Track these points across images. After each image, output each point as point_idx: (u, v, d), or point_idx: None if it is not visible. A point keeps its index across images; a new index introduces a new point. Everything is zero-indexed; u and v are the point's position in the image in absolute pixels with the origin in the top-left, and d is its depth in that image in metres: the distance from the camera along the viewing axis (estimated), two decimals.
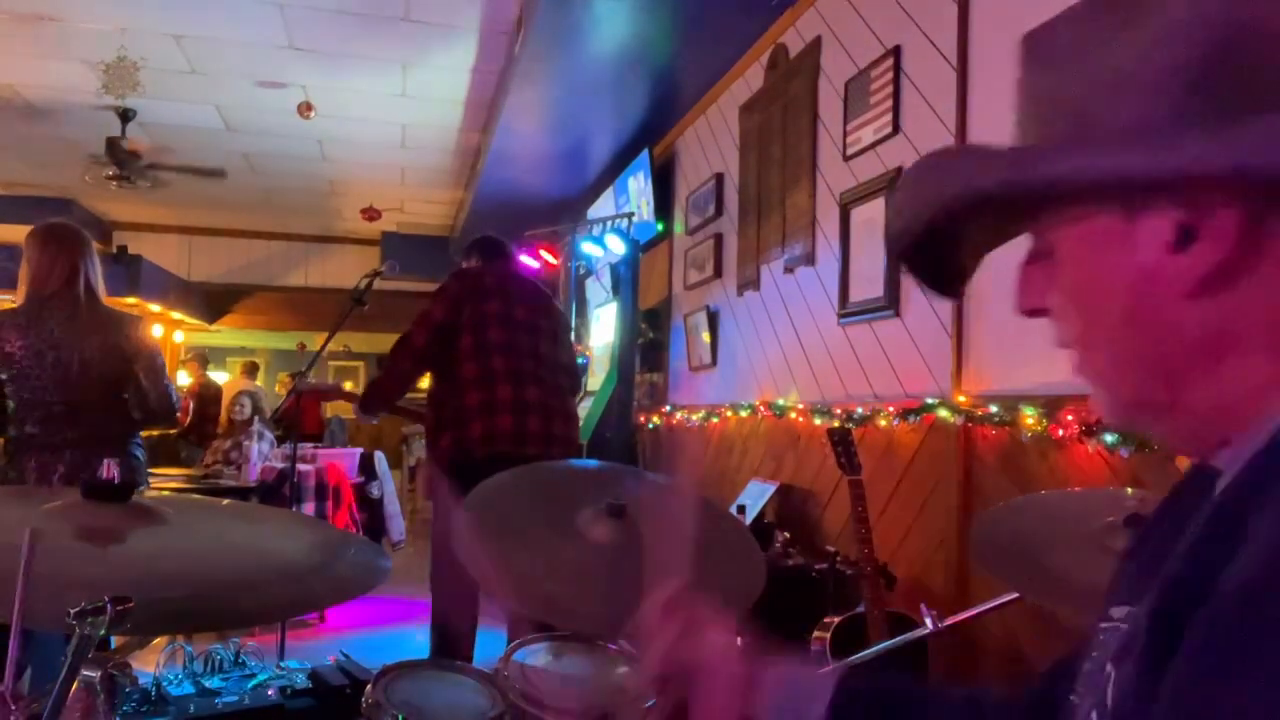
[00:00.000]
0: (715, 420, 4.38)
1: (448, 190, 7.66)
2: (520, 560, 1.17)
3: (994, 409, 2.33)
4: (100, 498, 1.08)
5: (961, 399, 2.48)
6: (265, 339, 13.33)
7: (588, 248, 5.67)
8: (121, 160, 5.98)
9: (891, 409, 2.77)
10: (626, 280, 5.47)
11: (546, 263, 6.44)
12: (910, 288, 2.78)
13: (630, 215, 5.50)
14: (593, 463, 1.75)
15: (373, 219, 8.27)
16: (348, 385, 6.70)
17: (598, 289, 6.62)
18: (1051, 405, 2.11)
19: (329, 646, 2.11)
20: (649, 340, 5.55)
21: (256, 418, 5.30)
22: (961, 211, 0.53)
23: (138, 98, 5.37)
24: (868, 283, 3.01)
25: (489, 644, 2.98)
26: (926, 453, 2.66)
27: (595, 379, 6.08)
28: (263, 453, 4.95)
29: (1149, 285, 0.50)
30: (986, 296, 2.38)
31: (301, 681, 1.49)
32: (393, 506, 5.99)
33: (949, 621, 1.51)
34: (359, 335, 11.57)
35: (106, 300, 2.84)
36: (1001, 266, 0.65)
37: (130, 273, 7.81)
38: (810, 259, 3.46)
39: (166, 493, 3.04)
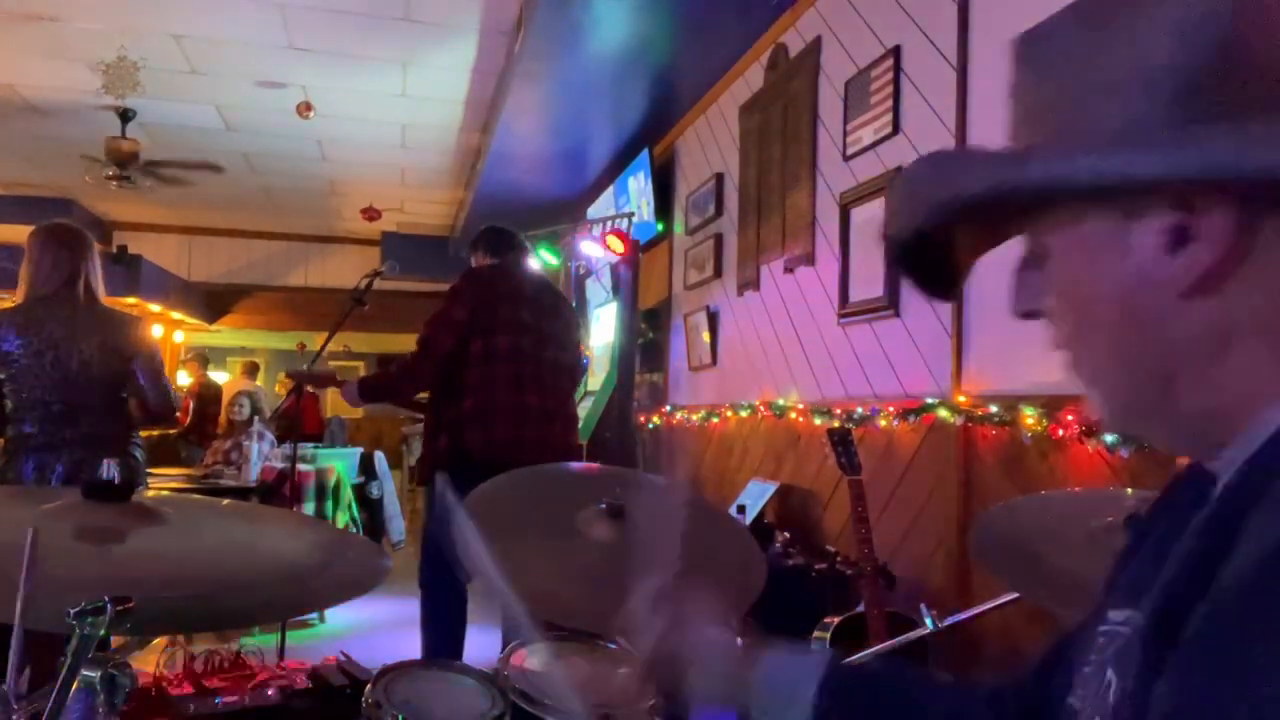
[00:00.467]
0: (715, 420, 4.38)
1: (448, 190, 7.66)
2: (520, 560, 1.17)
3: (994, 409, 2.33)
4: (100, 498, 1.08)
5: (961, 399, 2.48)
6: (265, 339, 13.33)
7: (588, 248, 5.66)
8: (121, 160, 5.98)
9: (891, 409, 2.77)
10: (626, 280, 5.47)
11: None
12: (910, 287, 2.78)
13: (630, 215, 5.50)
14: (590, 465, 1.75)
15: (373, 219, 8.26)
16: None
17: (598, 289, 6.62)
18: (1051, 405, 2.11)
19: (329, 646, 2.11)
20: (649, 340, 5.55)
21: (256, 418, 5.30)
22: (955, 215, 0.53)
23: (138, 98, 5.37)
24: (868, 283, 3.01)
25: (482, 643, 2.99)
26: (926, 453, 2.66)
27: (595, 379, 6.08)
28: (263, 453, 4.95)
29: (1143, 287, 0.50)
30: (986, 296, 2.38)
31: (301, 681, 1.49)
32: (393, 506, 5.99)
33: (949, 621, 1.51)
34: (359, 335, 11.57)
35: (107, 300, 2.84)
36: (1001, 267, 0.65)
37: (130, 273, 7.81)
38: (810, 259, 3.45)
39: (166, 493, 3.04)
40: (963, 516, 2.46)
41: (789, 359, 3.65)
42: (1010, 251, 0.64)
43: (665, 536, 0.83)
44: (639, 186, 5.47)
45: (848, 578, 2.61)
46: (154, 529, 1.08)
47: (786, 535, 3.15)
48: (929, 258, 0.61)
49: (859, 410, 2.96)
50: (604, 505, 1.22)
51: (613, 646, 1.27)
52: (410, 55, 4.81)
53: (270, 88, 5.33)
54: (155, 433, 4.48)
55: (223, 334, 11.16)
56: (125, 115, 5.76)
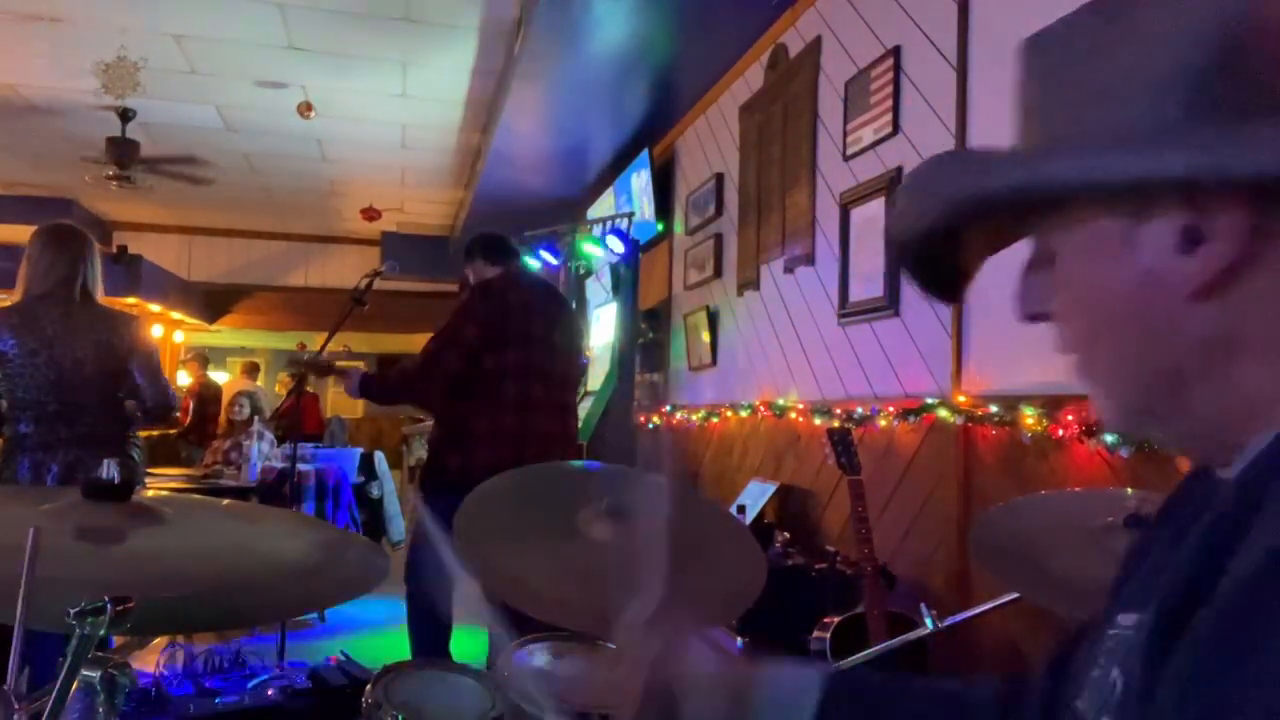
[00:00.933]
0: (715, 420, 4.38)
1: (448, 190, 7.66)
2: (519, 560, 1.17)
3: (994, 409, 2.33)
4: (100, 497, 1.08)
5: (961, 399, 2.48)
6: (265, 339, 13.33)
7: (588, 248, 5.66)
8: (121, 160, 5.98)
9: (891, 409, 2.77)
10: (627, 280, 5.47)
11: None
12: (910, 287, 2.78)
13: (630, 215, 5.49)
14: (591, 464, 1.75)
15: (373, 219, 8.26)
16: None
17: (598, 289, 6.62)
18: (1051, 405, 2.11)
19: (329, 646, 2.11)
20: (649, 340, 5.55)
21: (256, 418, 5.30)
22: (971, 215, 0.53)
23: (138, 98, 5.37)
24: (868, 282, 3.01)
25: (471, 643, 2.99)
26: (926, 453, 2.66)
27: (595, 379, 6.08)
28: (263, 453, 4.96)
29: (1153, 288, 0.50)
30: (987, 296, 2.38)
31: (301, 681, 1.49)
32: (393, 506, 6.00)
33: (949, 621, 1.51)
34: (359, 335, 11.54)
35: (106, 300, 2.84)
36: (1001, 266, 0.65)
37: (130, 273, 7.81)
38: (810, 259, 3.45)
39: (166, 493, 3.04)
40: (963, 516, 2.46)
41: (789, 359, 3.65)
42: (1011, 251, 0.64)
43: (664, 536, 0.83)
44: (639, 186, 5.47)
45: (848, 578, 2.61)
46: (154, 529, 1.08)
47: (786, 535, 3.15)
48: (936, 259, 0.60)
49: (859, 410, 2.96)
50: (605, 505, 1.21)
51: (612, 647, 1.27)
52: (410, 55, 4.81)
53: (270, 88, 5.33)
54: (155, 433, 4.48)
55: (223, 334, 11.16)
56: (125, 115, 5.77)
